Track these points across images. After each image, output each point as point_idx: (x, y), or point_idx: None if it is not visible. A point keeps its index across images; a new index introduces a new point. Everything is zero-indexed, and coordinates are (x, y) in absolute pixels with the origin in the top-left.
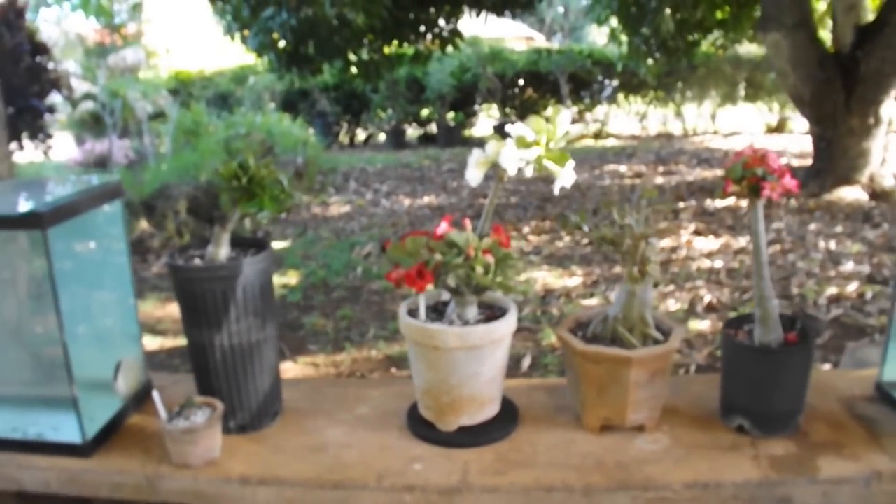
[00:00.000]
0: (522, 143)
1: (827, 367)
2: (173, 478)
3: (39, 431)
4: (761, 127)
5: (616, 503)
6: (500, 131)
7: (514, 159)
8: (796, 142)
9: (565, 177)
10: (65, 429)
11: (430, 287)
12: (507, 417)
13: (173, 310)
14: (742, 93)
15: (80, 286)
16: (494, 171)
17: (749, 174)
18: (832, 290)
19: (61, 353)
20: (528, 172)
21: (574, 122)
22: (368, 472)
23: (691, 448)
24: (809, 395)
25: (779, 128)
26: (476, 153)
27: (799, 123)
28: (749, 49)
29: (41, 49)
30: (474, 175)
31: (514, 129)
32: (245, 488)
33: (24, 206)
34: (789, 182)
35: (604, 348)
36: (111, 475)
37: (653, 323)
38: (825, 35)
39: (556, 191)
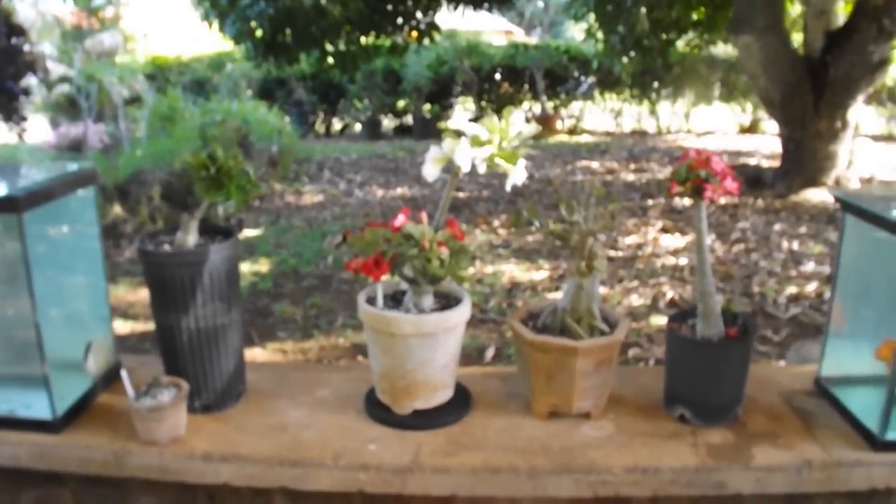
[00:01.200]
0: (476, 142)
1: (782, 363)
2: (140, 454)
3: (11, 408)
4: (734, 127)
5: (559, 485)
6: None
7: (467, 157)
8: (767, 143)
9: (517, 174)
10: (36, 406)
11: (388, 277)
12: (461, 402)
13: (145, 294)
14: (716, 93)
15: (53, 269)
16: (451, 167)
17: (693, 176)
18: (792, 290)
19: (34, 334)
20: (481, 169)
21: (546, 118)
22: (326, 451)
23: (634, 435)
24: (751, 389)
25: (751, 128)
26: (433, 150)
27: (770, 125)
28: (724, 49)
29: (17, 31)
30: (431, 171)
31: (468, 127)
32: (208, 464)
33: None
34: (730, 184)
35: (552, 338)
36: (80, 451)
37: (600, 315)
38: (796, 39)
39: (508, 188)
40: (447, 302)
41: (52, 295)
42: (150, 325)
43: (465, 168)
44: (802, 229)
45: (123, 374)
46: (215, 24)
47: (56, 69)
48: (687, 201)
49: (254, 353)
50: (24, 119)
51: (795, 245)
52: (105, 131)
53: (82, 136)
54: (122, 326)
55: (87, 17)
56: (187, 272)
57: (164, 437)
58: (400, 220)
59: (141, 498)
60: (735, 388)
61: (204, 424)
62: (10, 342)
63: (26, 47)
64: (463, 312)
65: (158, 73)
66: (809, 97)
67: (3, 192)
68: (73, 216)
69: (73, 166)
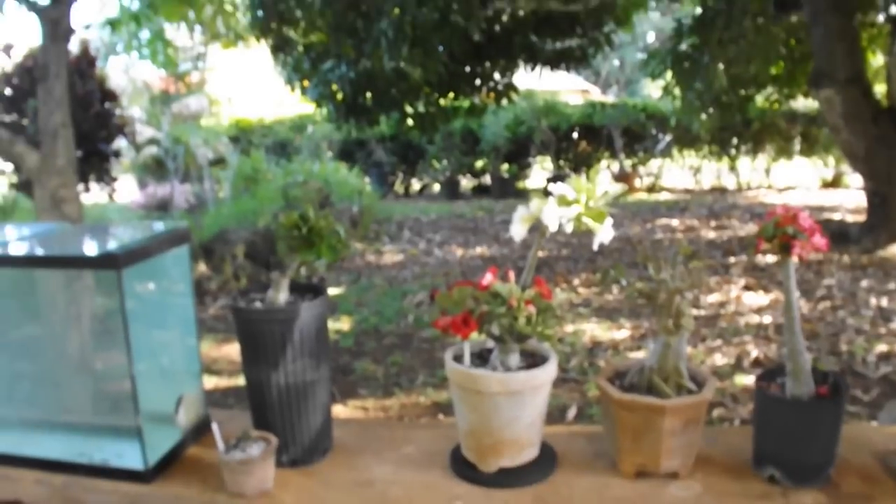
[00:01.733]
0: (563, 202)
1: (874, 423)
2: None
3: (105, 457)
4: (816, 181)
5: None
6: (555, 184)
7: (554, 216)
8: (851, 197)
9: (604, 233)
10: (128, 456)
11: (475, 335)
12: (547, 461)
13: (229, 351)
14: (797, 147)
15: (148, 324)
16: (538, 227)
17: (780, 233)
18: (882, 348)
19: (129, 386)
20: (568, 229)
21: (624, 176)
22: None
23: (723, 496)
24: (844, 449)
25: (834, 182)
26: (520, 210)
27: (854, 178)
28: (804, 103)
29: (110, 96)
30: (518, 230)
31: (556, 187)
32: None
33: (100, 247)
34: (819, 240)
35: (639, 397)
36: (170, 501)
37: (687, 374)
38: (879, 90)
39: (595, 246)
40: (533, 360)
41: (146, 348)
42: (233, 381)
43: (553, 228)
44: (891, 285)
45: (214, 426)
46: (297, 88)
47: (145, 132)
48: (770, 258)
49: (336, 411)
50: (114, 180)
51: (884, 302)
52: (191, 191)
53: (169, 196)
54: (206, 382)
55: (174, 82)
56: (278, 329)
57: (253, 490)
58: (488, 278)
59: None
60: (827, 448)
61: (291, 479)
62: (105, 393)
63: (117, 111)
64: (549, 370)
65: (242, 136)
66: (894, 149)
67: (105, 249)
68: (166, 273)
69: (166, 225)
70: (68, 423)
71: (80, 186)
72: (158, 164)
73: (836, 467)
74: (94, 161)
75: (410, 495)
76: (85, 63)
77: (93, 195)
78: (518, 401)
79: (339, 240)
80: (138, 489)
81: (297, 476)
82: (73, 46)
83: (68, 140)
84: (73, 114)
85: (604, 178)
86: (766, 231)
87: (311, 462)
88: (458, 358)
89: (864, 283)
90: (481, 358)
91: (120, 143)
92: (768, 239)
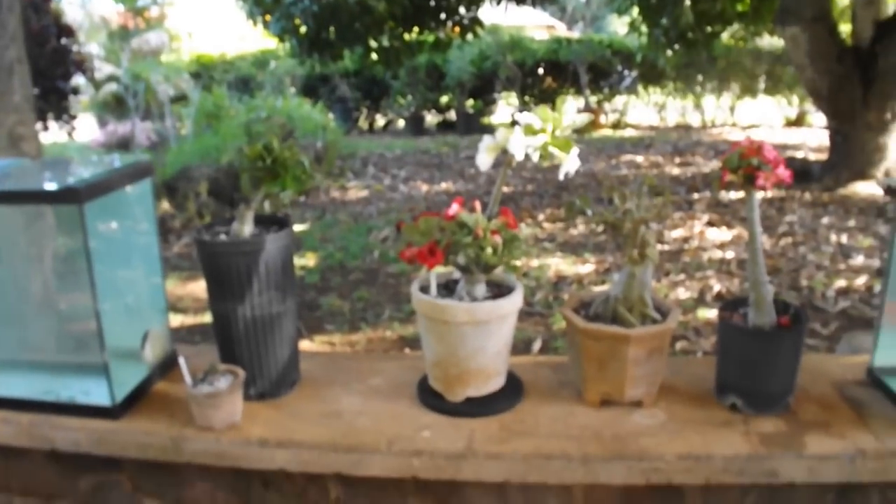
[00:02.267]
0: (529, 131)
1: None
2: (197, 439)
3: (71, 395)
4: (780, 120)
5: (612, 472)
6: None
7: (521, 145)
8: (814, 136)
9: (570, 163)
10: (95, 393)
11: (441, 266)
12: (513, 391)
13: (193, 288)
14: (762, 85)
15: (112, 260)
16: (504, 157)
17: (745, 164)
18: (841, 283)
19: (94, 323)
20: (535, 158)
21: (590, 110)
22: (380, 437)
23: (686, 423)
24: (803, 378)
25: (798, 121)
26: (486, 139)
27: (818, 117)
28: (770, 41)
29: (66, 31)
30: (484, 160)
31: (522, 117)
32: (264, 450)
33: (60, 182)
34: (783, 172)
35: (604, 326)
36: (138, 436)
37: (651, 304)
38: (844, 29)
39: (561, 176)
40: (499, 291)
41: (110, 286)
42: (199, 319)
43: (520, 157)
44: (851, 222)
45: (181, 360)
46: (259, 22)
47: (103, 69)
48: (734, 195)
49: (303, 346)
50: (73, 118)
51: (844, 238)
52: (152, 129)
53: (130, 134)
54: (172, 320)
55: (133, 17)
56: (244, 261)
57: (221, 423)
58: (454, 209)
59: (197, 483)
60: (787, 377)
61: (259, 412)
62: (70, 331)
63: (74, 48)
64: (515, 301)
65: (203, 72)
66: (858, 88)
67: (65, 183)
68: (129, 209)
69: (127, 160)
70: (33, 361)
71: (39, 125)
72: (118, 101)
73: (796, 396)
74: (52, 99)
75: (378, 426)
76: None
77: (52, 134)
78: (484, 330)
79: (304, 171)
80: (106, 425)
81: (266, 409)
82: None
83: (24, 76)
84: (28, 50)
85: (570, 108)
86: (731, 162)
87: (278, 395)
88: (424, 289)
89: (825, 221)
90: (447, 289)
91: (78, 80)
92: (733, 170)
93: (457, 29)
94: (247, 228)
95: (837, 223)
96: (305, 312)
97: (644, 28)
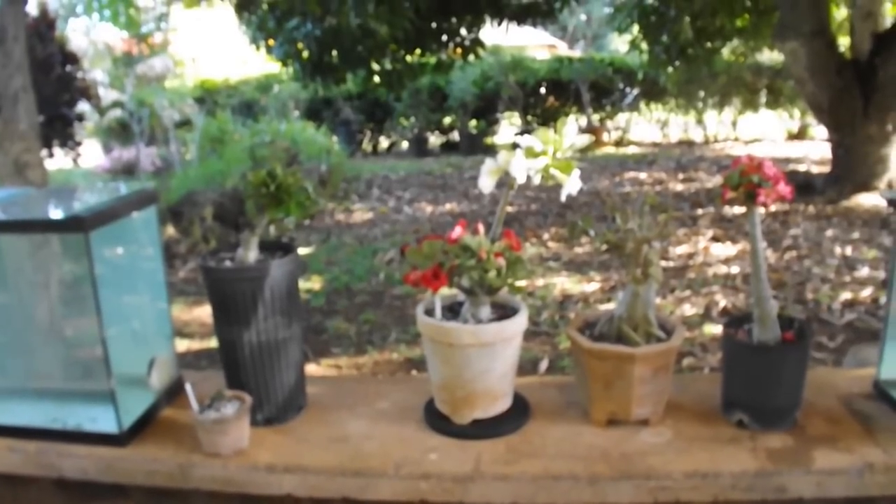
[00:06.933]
0: (530, 154)
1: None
2: (204, 466)
3: (78, 422)
4: (782, 134)
5: (619, 491)
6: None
7: (522, 168)
8: (817, 148)
9: (571, 185)
10: (102, 420)
11: (445, 289)
12: (519, 412)
13: (199, 313)
14: (763, 100)
15: (118, 287)
16: (506, 179)
17: (745, 181)
18: (846, 295)
19: (100, 350)
20: (536, 181)
21: (592, 128)
22: (387, 461)
23: (693, 441)
24: (809, 393)
25: (800, 135)
26: (488, 163)
27: (819, 130)
28: (770, 56)
29: (71, 59)
30: (486, 183)
31: (523, 140)
32: (271, 475)
33: (66, 210)
34: (783, 188)
35: (609, 346)
36: (146, 463)
37: (656, 322)
38: (843, 43)
39: (563, 197)
40: (504, 312)
41: (117, 312)
42: (205, 344)
43: (521, 179)
44: (855, 234)
45: (188, 387)
46: (263, 47)
47: (108, 95)
48: (738, 210)
49: (309, 370)
50: (78, 144)
51: (849, 251)
52: (157, 154)
53: (135, 160)
54: (178, 345)
55: (137, 43)
56: (249, 287)
57: (228, 449)
58: (457, 232)
59: None
60: (793, 392)
61: (266, 437)
62: (77, 358)
63: (79, 74)
64: (520, 322)
65: (207, 97)
66: (858, 101)
67: (71, 212)
68: (135, 236)
69: (130, 187)
70: (40, 389)
71: (44, 151)
72: (123, 127)
73: (802, 410)
74: (58, 125)
75: (386, 449)
76: (44, 25)
77: (57, 160)
78: (490, 352)
79: (308, 196)
80: (113, 452)
81: (273, 434)
82: (31, 8)
83: (30, 104)
84: (33, 78)
85: (571, 130)
86: (732, 180)
87: (285, 420)
88: (429, 312)
89: (829, 233)
90: (452, 311)
91: (83, 106)
92: (734, 187)
93: (458, 50)
94: (252, 254)
95: (842, 235)
96: (311, 336)
97: (645, 45)
